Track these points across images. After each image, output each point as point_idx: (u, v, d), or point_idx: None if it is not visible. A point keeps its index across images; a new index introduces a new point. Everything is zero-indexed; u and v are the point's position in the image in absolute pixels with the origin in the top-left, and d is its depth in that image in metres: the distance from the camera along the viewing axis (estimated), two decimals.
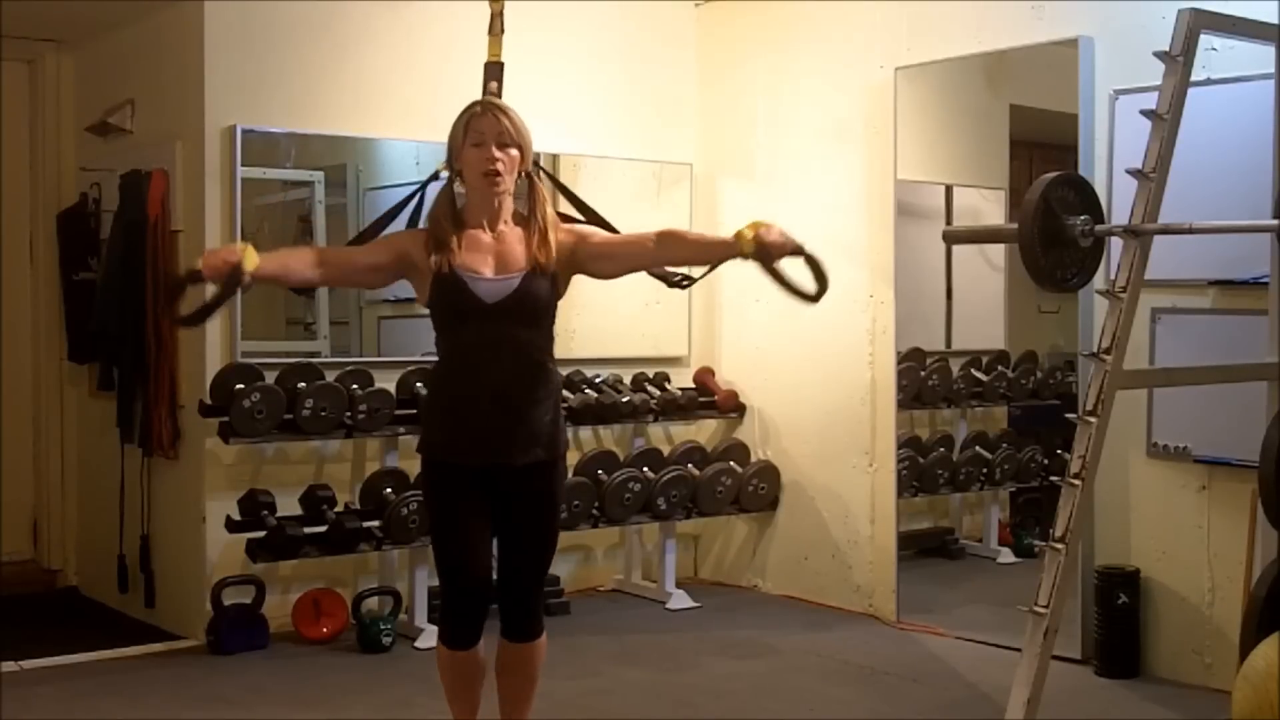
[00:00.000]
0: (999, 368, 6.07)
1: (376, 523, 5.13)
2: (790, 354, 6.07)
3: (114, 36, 5.91)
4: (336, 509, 5.17)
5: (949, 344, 6.16)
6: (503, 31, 3.95)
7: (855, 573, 5.78)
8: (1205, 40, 3.91)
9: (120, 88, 5.84)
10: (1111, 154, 4.80)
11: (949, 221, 6.11)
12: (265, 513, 5.05)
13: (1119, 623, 4.74)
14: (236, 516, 5.08)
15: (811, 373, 5.96)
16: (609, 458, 5.82)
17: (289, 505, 5.13)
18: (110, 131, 5.87)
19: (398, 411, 5.24)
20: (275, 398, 5.03)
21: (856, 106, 5.77)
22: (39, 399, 6.28)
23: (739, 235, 3.22)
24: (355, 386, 5.26)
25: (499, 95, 3.63)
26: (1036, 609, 3.58)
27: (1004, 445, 6.08)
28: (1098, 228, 3.75)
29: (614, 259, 3.41)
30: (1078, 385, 5.08)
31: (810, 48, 5.97)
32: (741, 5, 6.28)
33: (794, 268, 3.23)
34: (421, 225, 3.51)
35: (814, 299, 3.26)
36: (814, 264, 3.22)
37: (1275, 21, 4.02)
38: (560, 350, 6.11)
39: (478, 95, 3.69)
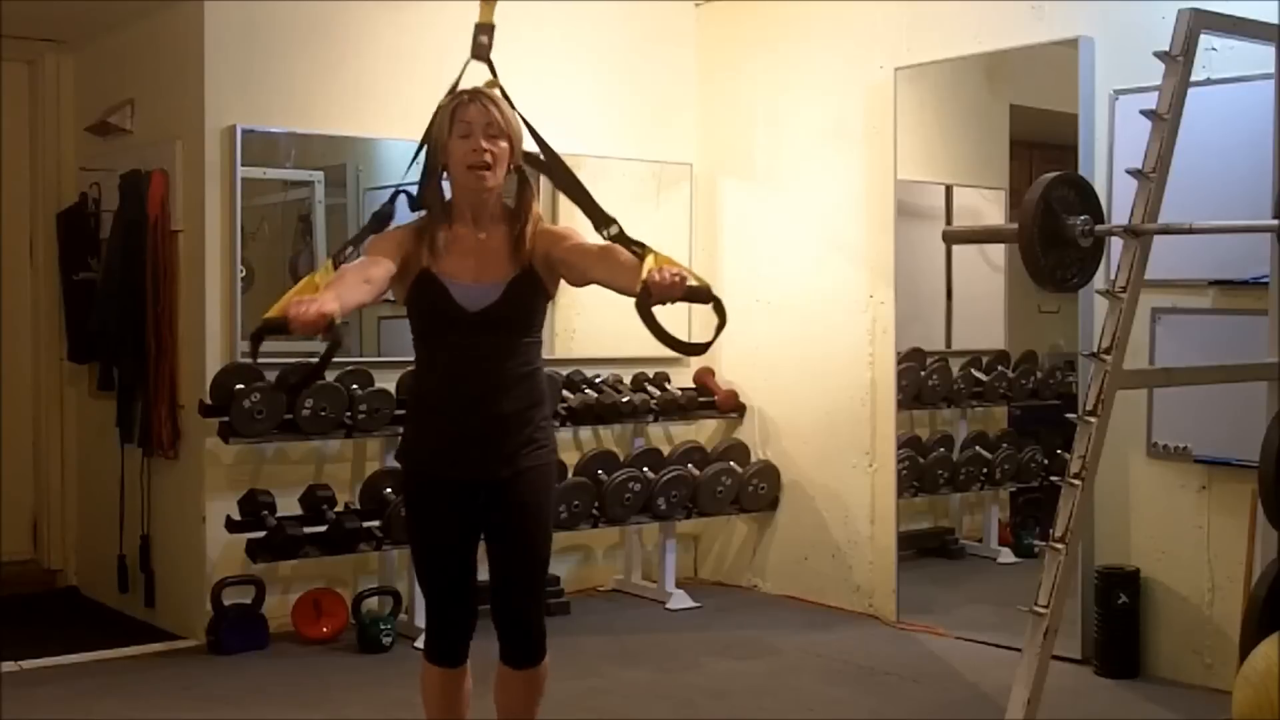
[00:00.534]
0: (999, 368, 6.07)
1: (376, 523, 5.13)
2: (790, 354, 6.07)
3: (114, 36, 5.91)
4: (336, 509, 5.17)
5: (949, 344, 6.16)
6: None
7: (855, 573, 5.78)
8: (1205, 40, 3.91)
9: (120, 88, 5.84)
10: (1111, 154, 4.80)
11: (949, 221, 6.12)
12: (265, 513, 5.05)
13: (1119, 623, 4.74)
14: (236, 516, 5.08)
15: (811, 372, 5.96)
16: (609, 458, 5.82)
17: (289, 505, 5.13)
18: (110, 131, 5.87)
19: (398, 411, 5.23)
20: (275, 398, 5.03)
21: (856, 106, 5.77)
22: (39, 399, 6.28)
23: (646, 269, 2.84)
24: (355, 386, 5.26)
25: (489, 51, 3.24)
26: (1036, 609, 3.58)
27: (1004, 445, 6.08)
28: (1098, 228, 3.74)
29: (572, 268, 3.08)
30: (1078, 385, 5.08)
31: (810, 48, 5.97)
32: (741, 5, 6.28)
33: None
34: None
35: (693, 350, 3.07)
36: (719, 309, 2.94)
37: (1275, 21, 4.02)
38: (560, 350, 6.12)
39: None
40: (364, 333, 5.86)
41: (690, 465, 5.95)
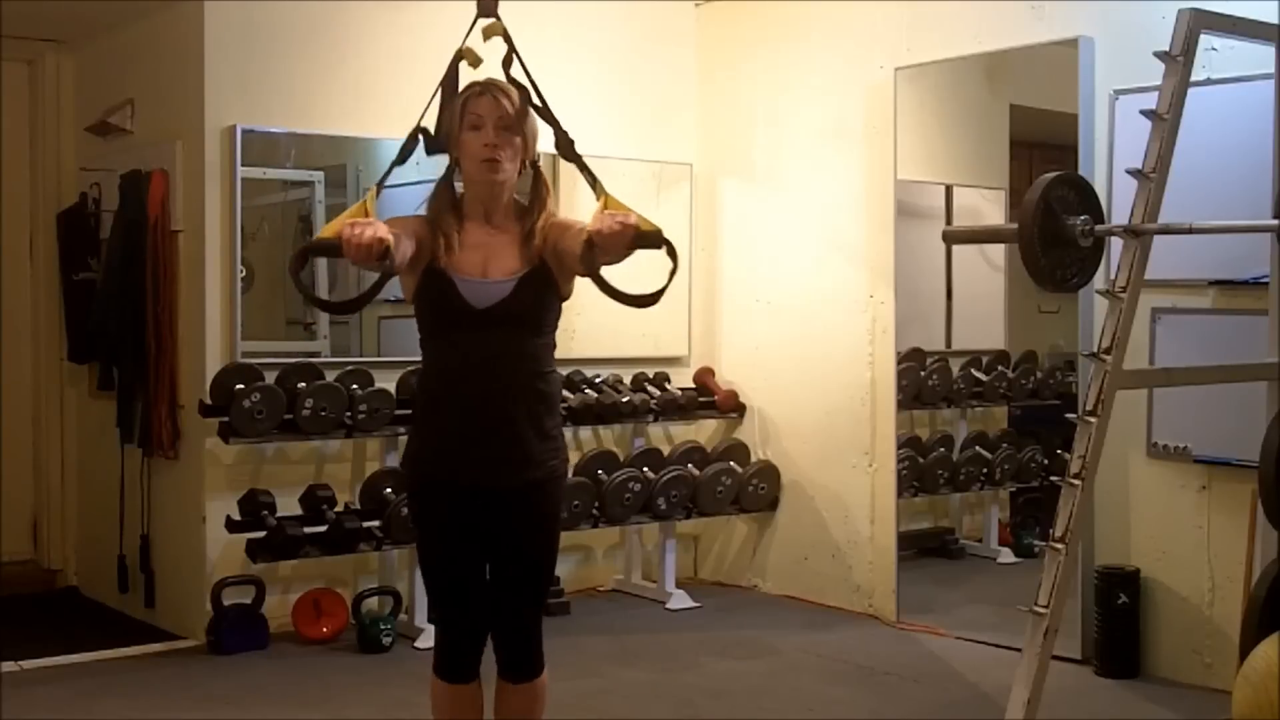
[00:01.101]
0: (999, 368, 6.07)
1: (376, 523, 5.13)
2: (790, 354, 6.07)
3: (114, 36, 5.91)
4: (336, 509, 5.17)
5: (949, 344, 6.16)
6: None
7: (855, 573, 5.78)
8: (1205, 40, 3.91)
9: (120, 88, 5.84)
10: (1111, 154, 4.80)
11: (949, 221, 6.12)
12: (265, 513, 5.05)
13: (1119, 623, 4.74)
14: (236, 516, 5.08)
15: (811, 373, 5.96)
16: (609, 458, 5.82)
17: (289, 505, 5.13)
18: (110, 131, 5.87)
19: (398, 411, 5.24)
20: (275, 398, 5.03)
21: (856, 106, 5.77)
22: (39, 399, 6.28)
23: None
24: (355, 386, 5.26)
25: (496, 6, 3.13)
26: (1036, 609, 3.58)
27: (1004, 445, 6.08)
28: (1098, 228, 3.75)
29: (578, 259, 2.85)
30: (1078, 385, 5.08)
31: (810, 48, 5.97)
32: (741, 5, 6.28)
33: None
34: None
35: (644, 301, 2.70)
36: (672, 252, 2.70)
37: (1275, 21, 4.02)
38: (560, 350, 6.06)
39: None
40: (364, 333, 5.86)
41: (690, 465, 5.95)
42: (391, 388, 5.33)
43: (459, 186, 3.05)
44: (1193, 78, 3.75)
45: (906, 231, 5.64)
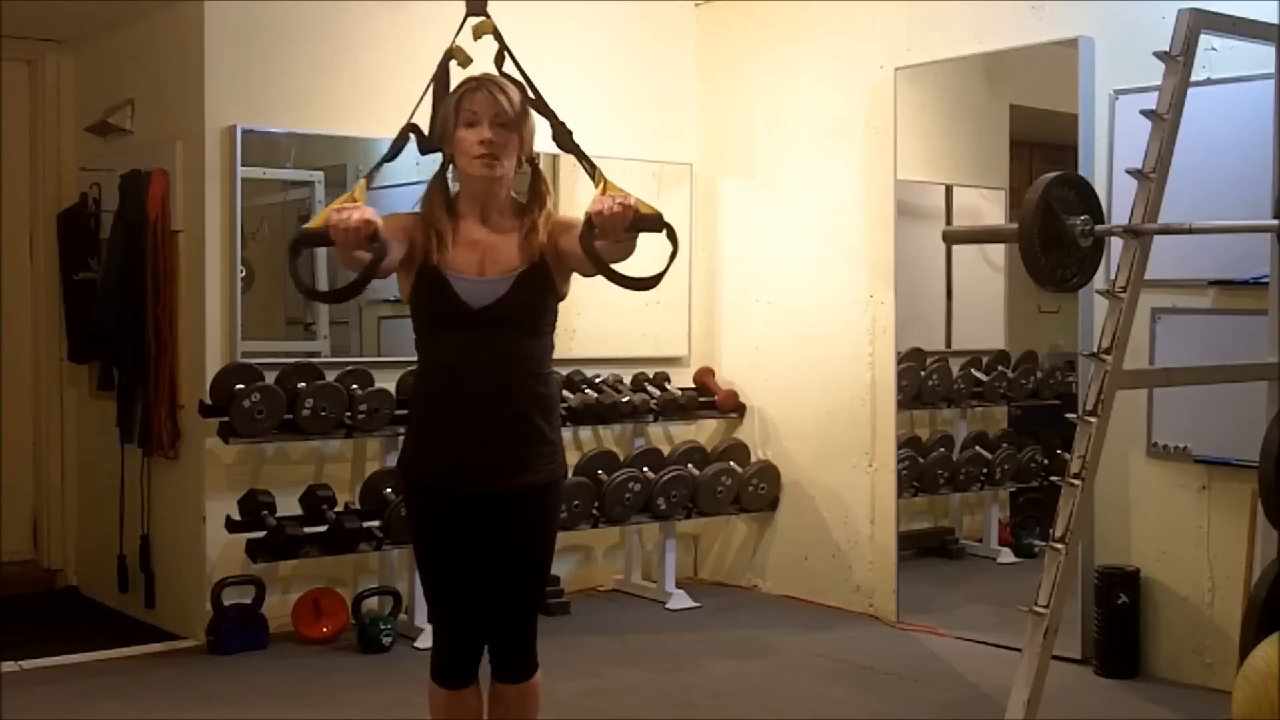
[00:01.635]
0: (999, 368, 6.07)
1: (376, 523, 5.13)
2: (790, 354, 6.07)
3: (114, 36, 5.91)
4: (336, 509, 5.17)
5: (949, 344, 6.16)
6: None
7: (855, 573, 5.78)
8: (1205, 40, 3.91)
9: (120, 88, 5.84)
10: (1111, 154, 4.80)
11: (949, 221, 6.12)
12: (265, 513, 5.05)
13: (1119, 623, 4.74)
14: (236, 516, 5.08)
15: (811, 373, 5.96)
16: (609, 458, 5.82)
17: (289, 505, 5.13)
18: (110, 131, 5.87)
19: (398, 411, 5.23)
20: (275, 398, 5.03)
21: (856, 106, 5.77)
22: (39, 399, 6.28)
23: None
24: (355, 386, 5.26)
25: (485, 5, 3.09)
26: (1036, 609, 3.58)
27: (1004, 445, 6.08)
28: (1098, 228, 3.75)
29: (579, 259, 2.85)
30: (1078, 385, 5.08)
31: (810, 48, 5.97)
32: (741, 5, 6.28)
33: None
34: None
35: (645, 284, 2.70)
36: (672, 235, 2.71)
37: (1275, 21, 4.02)
38: (560, 350, 6.07)
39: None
40: (364, 333, 5.87)
41: (690, 465, 5.95)
42: (391, 388, 5.33)
43: (454, 185, 3.00)
44: (1193, 78, 3.76)
45: (906, 231, 5.64)
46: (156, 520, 5.56)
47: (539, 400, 2.95)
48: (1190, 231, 3.82)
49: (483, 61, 3.07)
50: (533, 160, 2.99)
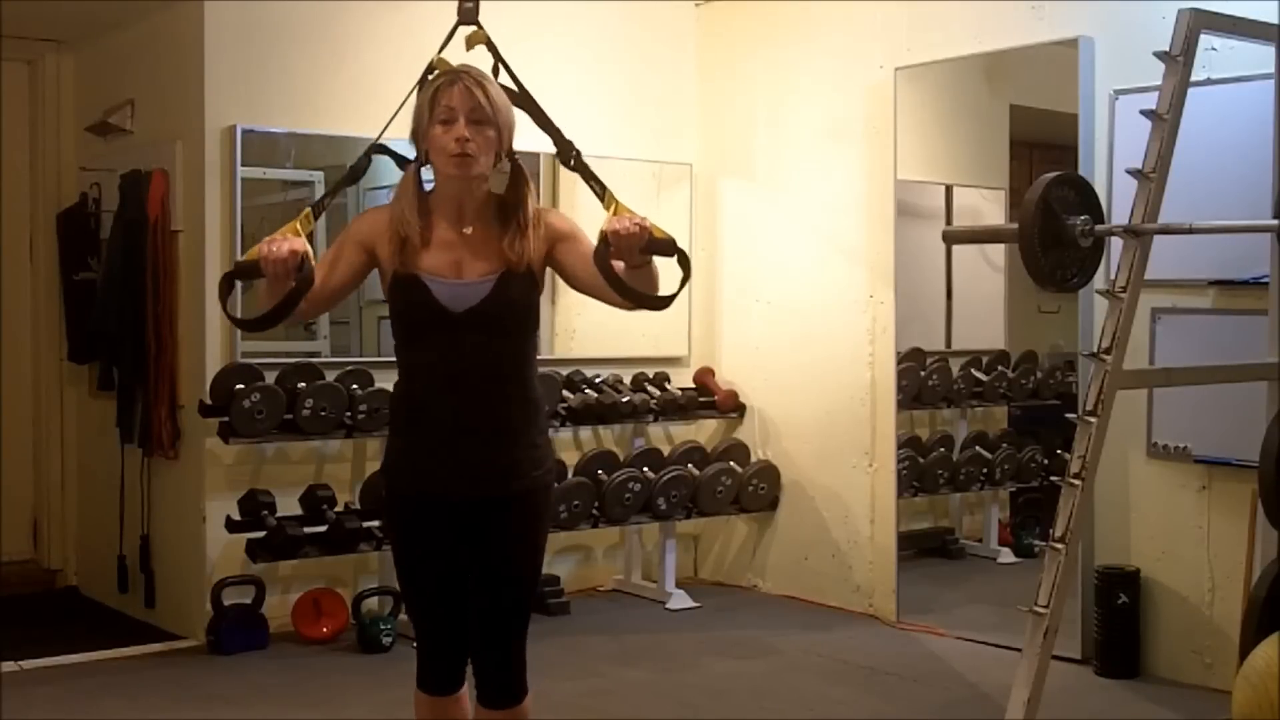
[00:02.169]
0: (999, 368, 6.07)
1: (376, 523, 5.13)
2: (790, 354, 6.07)
3: (114, 36, 5.91)
4: (336, 509, 5.17)
5: (949, 344, 6.17)
6: None
7: (855, 573, 5.78)
8: (1205, 40, 3.91)
9: (120, 88, 5.84)
10: (1111, 154, 4.80)
11: (949, 221, 6.12)
12: (265, 513, 5.05)
13: (1119, 623, 4.74)
14: (236, 516, 5.08)
15: (811, 373, 5.96)
16: (609, 458, 5.82)
17: (289, 505, 5.13)
18: (110, 131, 5.87)
19: None
20: (275, 398, 5.03)
21: (856, 106, 5.77)
22: (39, 399, 6.28)
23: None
24: (355, 386, 5.26)
25: (476, 13, 2.99)
26: (1036, 609, 3.58)
27: (1004, 445, 6.08)
28: (1098, 228, 3.75)
29: (575, 278, 2.85)
30: (1078, 385, 5.08)
31: (810, 48, 5.97)
32: (741, 5, 6.28)
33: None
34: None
35: (658, 303, 2.71)
36: (683, 262, 2.68)
37: (1275, 21, 4.02)
38: (560, 350, 6.11)
39: None
40: (364, 333, 5.86)
41: (690, 465, 5.95)
42: (391, 387, 5.32)
43: (428, 183, 2.87)
44: (1193, 78, 3.76)
45: (906, 231, 5.64)
46: (156, 520, 5.56)
47: (524, 404, 2.84)
48: (1190, 231, 3.82)
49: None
50: (512, 156, 2.84)
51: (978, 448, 6.04)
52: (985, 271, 6.19)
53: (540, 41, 5.77)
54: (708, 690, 4.68)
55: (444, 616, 2.89)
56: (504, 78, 2.92)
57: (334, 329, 5.75)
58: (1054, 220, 3.68)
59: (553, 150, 2.97)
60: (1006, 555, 6.14)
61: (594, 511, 5.60)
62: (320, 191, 5.68)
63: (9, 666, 4.83)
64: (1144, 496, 4.79)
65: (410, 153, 2.88)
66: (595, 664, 4.96)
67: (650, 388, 6.10)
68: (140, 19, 5.65)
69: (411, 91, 2.88)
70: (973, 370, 6.05)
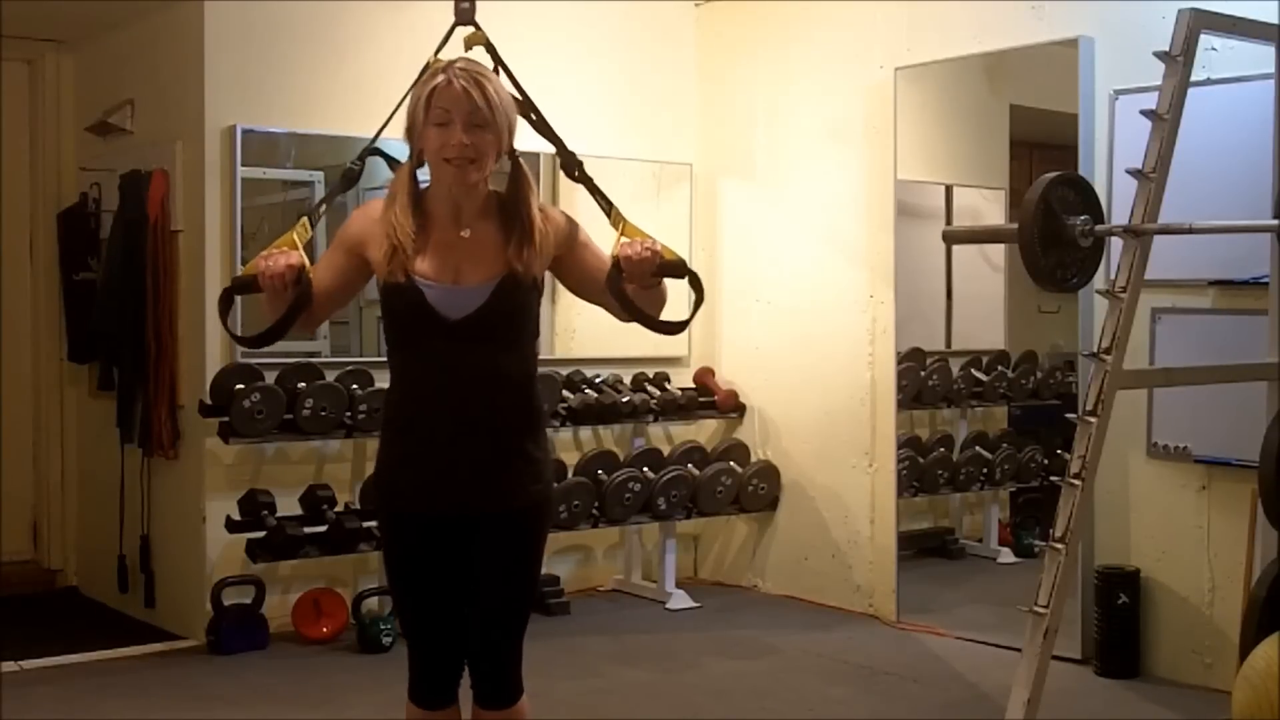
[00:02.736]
0: (999, 368, 6.07)
1: (376, 523, 5.12)
2: (790, 354, 6.07)
3: (114, 36, 5.91)
4: (336, 509, 5.17)
5: (949, 344, 6.17)
6: None
7: (855, 573, 5.78)
8: (1205, 40, 3.91)
9: (120, 88, 5.84)
10: (1111, 154, 4.80)
11: (949, 221, 6.12)
12: (265, 513, 5.05)
13: (1119, 623, 4.74)
14: (236, 516, 5.08)
15: (811, 373, 5.96)
16: (609, 458, 5.82)
17: (289, 505, 5.13)
18: (110, 131, 5.87)
19: None
20: (275, 398, 5.03)
21: (856, 106, 5.77)
22: (39, 399, 6.27)
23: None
24: (355, 386, 5.26)
25: (473, 13, 2.90)
26: (1036, 609, 3.58)
27: (1004, 445, 6.08)
28: (1098, 228, 3.75)
29: (581, 283, 2.81)
30: (1078, 385, 5.08)
31: (810, 48, 5.97)
32: (741, 5, 6.28)
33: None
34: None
35: (672, 328, 2.73)
36: (695, 282, 2.70)
37: (1275, 21, 4.02)
38: (560, 350, 6.11)
39: None
40: (364, 333, 5.86)
41: (690, 465, 5.95)
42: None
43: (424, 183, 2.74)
44: (1193, 78, 3.76)
45: (906, 231, 5.64)
46: (156, 520, 5.56)
47: (523, 415, 2.73)
48: (1190, 231, 3.82)
49: None
50: (514, 154, 2.71)
51: (978, 448, 6.04)
52: (985, 271, 6.19)
53: (540, 41, 5.77)
54: (708, 690, 4.68)
55: (438, 631, 2.80)
56: (505, 82, 2.81)
57: (334, 329, 5.74)
58: (1054, 220, 3.68)
59: (553, 151, 2.94)
60: (1006, 555, 6.14)
61: (594, 511, 5.60)
62: (320, 192, 5.68)
63: (9, 666, 4.83)
64: (1144, 496, 4.79)
65: (404, 152, 2.76)
66: (595, 664, 4.96)
67: (650, 388, 6.10)
68: (140, 19, 5.65)
69: (407, 94, 2.77)
70: (973, 370, 6.06)
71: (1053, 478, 3.78)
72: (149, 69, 5.66)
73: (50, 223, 6.13)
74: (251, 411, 4.97)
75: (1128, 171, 3.74)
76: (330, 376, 5.24)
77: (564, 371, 5.84)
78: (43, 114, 6.24)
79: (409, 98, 2.72)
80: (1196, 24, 3.72)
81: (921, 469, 5.83)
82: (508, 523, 2.73)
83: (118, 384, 5.60)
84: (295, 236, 2.66)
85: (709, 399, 6.25)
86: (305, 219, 2.73)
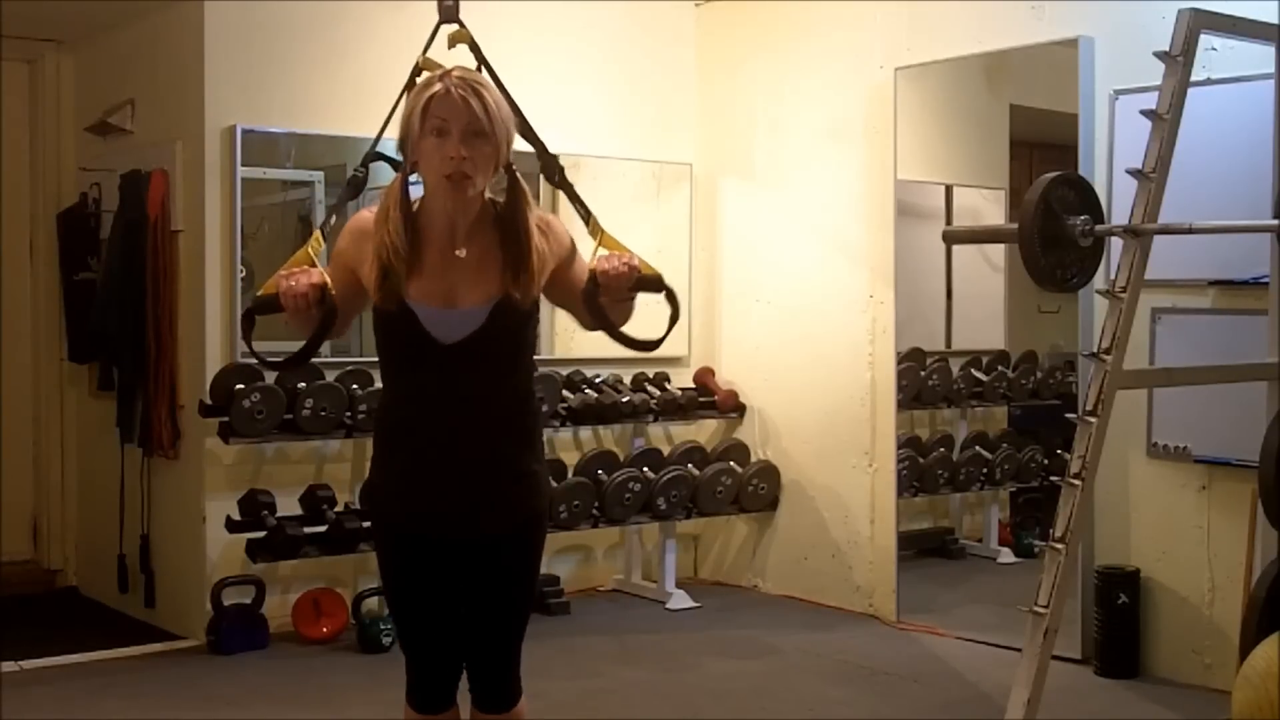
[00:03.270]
0: (999, 368, 6.07)
1: (370, 525, 5.12)
2: (790, 354, 6.07)
3: (114, 36, 5.91)
4: (336, 509, 5.17)
5: (949, 344, 6.17)
6: None
7: (855, 573, 5.78)
8: (1205, 40, 3.91)
9: (120, 88, 5.84)
10: (1111, 154, 4.80)
11: (949, 221, 6.12)
12: (265, 513, 5.05)
13: (1119, 623, 4.74)
14: (236, 516, 5.08)
15: (811, 373, 5.96)
16: (609, 458, 5.82)
17: (289, 505, 5.13)
18: (110, 131, 5.87)
19: None
20: (275, 398, 5.03)
21: (856, 106, 5.77)
22: (39, 399, 6.27)
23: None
24: (355, 386, 5.26)
25: (458, 11, 2.85)
26: (1036, 609, 3.58)
27: (1004, 445, 6.08)
28: (1098, 228, 3.75)
29: (564, 295, 2.74)
30: (1078, 385, 5.08)
31: (810, 48, 5.97)
32: (741, 5, 6.28)
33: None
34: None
35: (646, 346, 2.67)
36: (671, 298, 2.63)
37: (1275, 21, 4.02)
38: (560, 350, 6.11)
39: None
40: (364, 332, 5.85)
41: (690, 465, 5.95)
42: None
43: (415, 185, 2.64)
44: (1193, 78, 3.76)
45: (906, 231, 5.64)
46: (156, 520, 5.56)
47: (522, 433, 2.67)
48: (1190, 231, 3.82)
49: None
50: (510, 169, 2.60)
51: (978, 448, 6.04)
52: (985, 271, 6.19)
53: (541, 42, 5.77)
54: (708, 690, 4.68)
55: (435, 639, 2.77)
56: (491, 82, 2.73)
57: None
58: (1054, 220, 3.68)
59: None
60: (1006, 555, 6.14)
61: (594, 511, 5.60)
62: (320, 192, 5.68)
63: (9, 666, 4.83)
64: (1144, 496, 4.79)
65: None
66: (595, 664, 4.96)
67: (650, 388, 6.10)
68: (140, 19, 5.65)
69: (401, 96, 2.70)
70: (973, 370, 6.06)
71: (1053, 478, 3.78)
72: (149, 69, 5.66)
73: (50, 223, 6.13)
74: (251, 411, 4.97)
75: (1128, 171, 3.74)
76: (330, 376, 5.24)
77: (564, 371, 5.84)
78: (43, 114, 6.24)
79: (403, 105, 2.62)
80: (1196, 24, 3.72)
81: (921, 469, 5.83)
82: (505, 545, 2.69)
83: (118, 384, 5.60)
84: (310, 252, 2.60)
85: (709, 399, 6.25)
86: (318, 233, 2.69)
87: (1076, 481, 3.60)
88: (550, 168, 2.85)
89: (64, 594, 6.19)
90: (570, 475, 5.61)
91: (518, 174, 2.61)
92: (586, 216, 2.73)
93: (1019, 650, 3.66)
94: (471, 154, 2.49)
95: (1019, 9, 5.16)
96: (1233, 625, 4.31)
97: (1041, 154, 5.93)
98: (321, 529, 5.10)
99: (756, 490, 6.04)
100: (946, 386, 5.99)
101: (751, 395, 6.27)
